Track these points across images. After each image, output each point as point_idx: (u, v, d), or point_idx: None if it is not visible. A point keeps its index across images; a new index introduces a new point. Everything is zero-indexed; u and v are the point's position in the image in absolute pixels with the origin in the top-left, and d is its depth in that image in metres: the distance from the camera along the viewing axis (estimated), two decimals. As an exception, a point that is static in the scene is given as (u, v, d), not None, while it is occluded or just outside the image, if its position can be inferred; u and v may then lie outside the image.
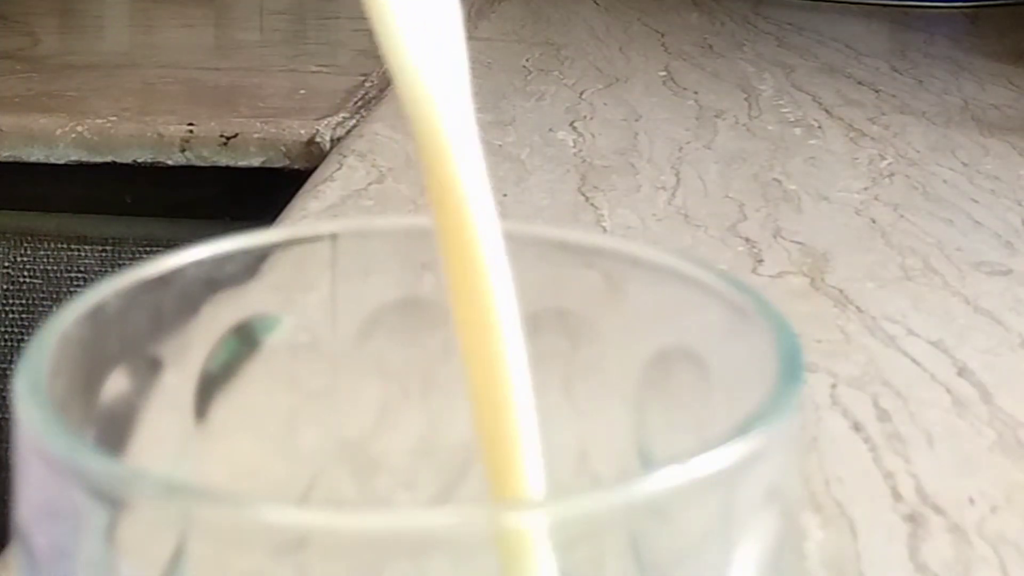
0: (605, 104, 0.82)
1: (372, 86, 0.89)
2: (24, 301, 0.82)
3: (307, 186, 0.68)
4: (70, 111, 0.83)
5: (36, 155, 0.81)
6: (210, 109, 0.84)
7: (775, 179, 0.70)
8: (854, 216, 0.65)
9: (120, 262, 0.82)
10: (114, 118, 0.82)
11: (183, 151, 0.80)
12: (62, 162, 0.81)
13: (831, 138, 0.77)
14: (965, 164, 0.72)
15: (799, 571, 0.37)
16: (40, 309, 0.82)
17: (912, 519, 0.40)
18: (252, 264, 0.25)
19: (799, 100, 0.84)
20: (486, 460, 0.20)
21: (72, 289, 0.82)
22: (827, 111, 0.82)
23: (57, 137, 0.81)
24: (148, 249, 0.81)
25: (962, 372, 0.49)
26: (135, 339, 0.24)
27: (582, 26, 1.05)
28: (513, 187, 0.68)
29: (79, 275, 0.82)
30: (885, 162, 0.73)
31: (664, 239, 0.61)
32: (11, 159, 0.81)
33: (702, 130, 0.78)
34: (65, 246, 0.82)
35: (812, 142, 0.76)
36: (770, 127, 0.78)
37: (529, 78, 0.88)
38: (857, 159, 0.73)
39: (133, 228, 0.82)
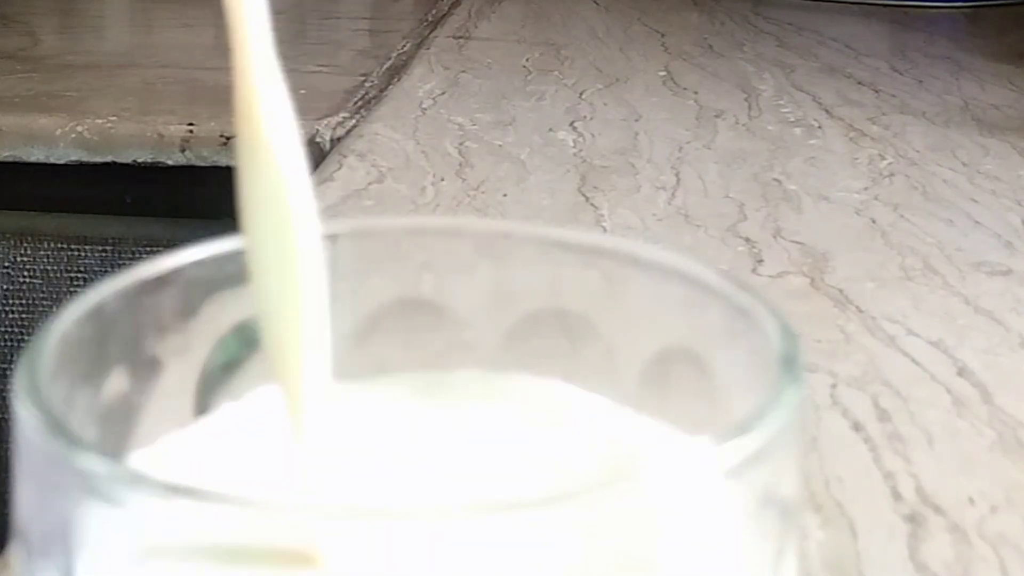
0: (605, 104, 0.82)
1: (372, 86, 0.89)
2: (24, 301, 0.82)
3: (307, 186, 0.68)
4: (70, 111, 0.83)
5: (36, 155, 0.81)
6: (210, 109, 0.84)
7: (775, 179, 0.70)
8: (854, 216, 0.65)
9: (120, 262, 0.82)
10: (114, 118, 0.82)
11: (183, 151, 0.80)
12: (62, 162, 0.81)
13: (831, 138, 0.77)
14: (965, 164, 0.72)
15: (799, 571, 0.37)
16: (40, 309, 0.82)
17: (912, 519, 0.40)
18: (252, 264, 0.24)
19: (799, 100, 0.84)
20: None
21: (72, 289, 0.82)
22: (827, 111, 0.82)
23: (57, 137, 0.81)
24: (148, 249, 0.81)
25: (962, 372, 0.49)
26: (135, 339, 0.24)
27: (582, 26, 1.05)
28: (513, 187, 0.68)
29: (79, 275, 0.82)
30: (885, 162, 0.73)
31: (664, 239, 0.61)
32: (11, 159, 0.81)
33: (702, 130, 0.78)
34: (65, 246, 0.82)
35: (812, 142, 0.76)
36: (770, 127, 0.78)
37: (529, 78, 0.88)
38: (857, 159, 0.73)
39: (133, 228, 0.82)
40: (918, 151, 0.74)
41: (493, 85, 0.86)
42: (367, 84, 0.90)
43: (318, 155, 0.78)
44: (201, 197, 0.81)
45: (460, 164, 0.70)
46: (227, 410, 0.25)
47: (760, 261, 0.59)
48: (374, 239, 0.26)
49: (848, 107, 0.82)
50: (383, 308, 0.26)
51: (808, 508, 0.40)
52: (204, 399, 0.25)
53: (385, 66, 0.94)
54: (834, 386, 0.47)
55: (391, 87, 0.86)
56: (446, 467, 0.23)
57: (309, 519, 0.18)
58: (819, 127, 0.78)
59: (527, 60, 0.93)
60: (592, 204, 0.65)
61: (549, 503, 0.18)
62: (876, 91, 0.86)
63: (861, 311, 0.54)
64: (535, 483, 0.23)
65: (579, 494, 0.19)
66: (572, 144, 0.75)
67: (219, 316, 0.24)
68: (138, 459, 0.23)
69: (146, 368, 0.24)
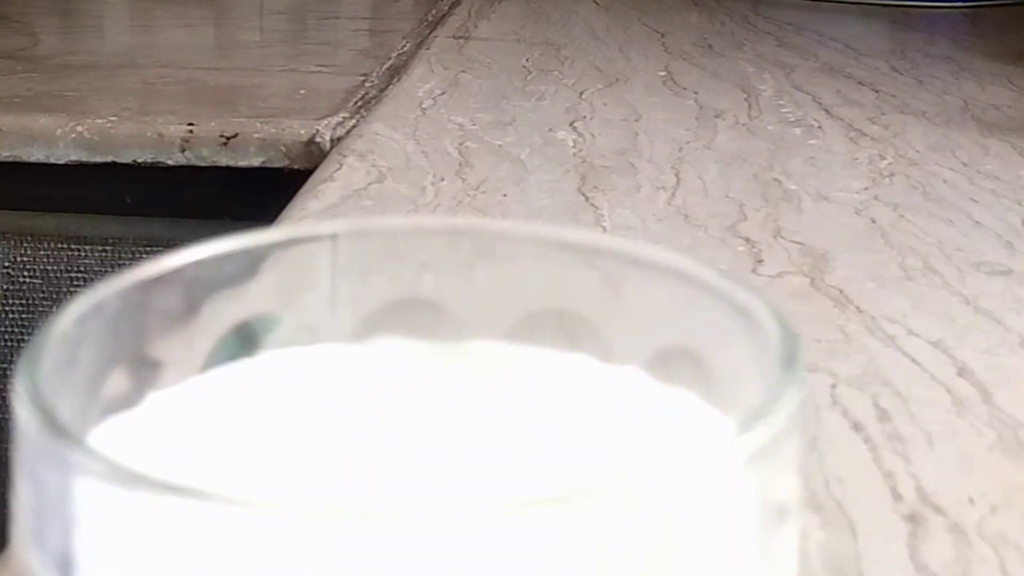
0: (605, 104, 0.82)
1: (372, 86, 0.89)
2: (24, 301, 0.82)
3: (307, 186, 0.68)
4: (70, 111, 0.83)
5: (36, 155, 0.81)
6: (210, 109, 0.84)
7: (775, 179, 0.70)
8: (854, 216, 0.65)
9: (120, 262, 0.82)
10: (114, 118, 0.82)
11: (183, 151, 0.80)
12: (62, 162, 0.81)
13: (831, 138, 0.77)
14: (965, 164, 0.72)
15: (799, 571, 0.37)
16: (40, 309, 0.82)
17: (912, 519, 0.40)
18: (252, 264, 0.25)
19: (799, 100, 0.84)
20: None
21: (72, 289, 0.82)
22: (827, 111, 0.82)
23: (57, 137, 0.81)
24: (148, 249, 0.81)
25: (962, 372, 0.49)
26: (135, 339, 0.24)
27: (582, 26, 1.05)
28: (513, 187, 0.68)
29: (79, 275, 0.82)
30: (885, 162, 0.73)
31: (664, 239, 0.61)
32: (11, 159, 0.81)
33: (702, 130, 0.78)
34: (65, 246, 0.82)
35: (812, 142, 0.76)
36: (770, 127, 0.78)
37: (529, 78, 0.88)
38: (857, 159, 0.73)
39: (133, 228, 0.82)
40: (918, 151, 0.74)
41: (493, 85, 0.86)
42: (367, 84, 0.90)
43: (318, 155, 0.78)
44: (201, 197, 0.81)
45: (460, 164, 0.70)
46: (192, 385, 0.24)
47: (760, 261, 0.59)
48: (374, 239, 0.26)
49: (848, 107, 0.82)
50: (383, 308, 0.26)
51: (808, 508, 0.40)
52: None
53: (385, 66, 0.94)
54: (834, 386, 0.47)
55: (391, 87, 0.86)
56: (467, 441, 0.23)
57: (309, 519, 0.18)
58: (819, 127, 0.78)
59: (527, 60, 0.93)
60: (592, 204, 0.65)
61: (551, 502, 0.18)
62: (876, 91, 0.86)
63: (861, 311, 0.54)
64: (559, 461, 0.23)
65: (580, 494, 0.19)
66: (572, 144, 0.75)
67: (219, 316, 0.24)
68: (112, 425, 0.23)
69: (146, 368, 0.24)
